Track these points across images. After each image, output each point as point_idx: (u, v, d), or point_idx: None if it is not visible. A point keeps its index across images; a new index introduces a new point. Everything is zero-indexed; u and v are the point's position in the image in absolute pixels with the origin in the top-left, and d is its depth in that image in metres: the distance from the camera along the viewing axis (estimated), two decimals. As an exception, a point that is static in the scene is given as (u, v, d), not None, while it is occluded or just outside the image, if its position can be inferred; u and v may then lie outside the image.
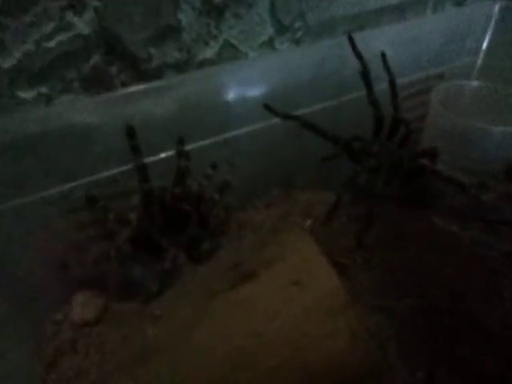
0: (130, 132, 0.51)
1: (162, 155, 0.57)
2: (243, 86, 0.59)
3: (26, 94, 0.49)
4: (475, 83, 0.80)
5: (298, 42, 0.63)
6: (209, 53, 0.57)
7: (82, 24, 0.47)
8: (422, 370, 0.44)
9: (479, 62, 0.80)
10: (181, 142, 0.56)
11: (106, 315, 0.58)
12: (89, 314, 0.57)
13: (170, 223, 0.55)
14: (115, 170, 0.55)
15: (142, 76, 0.55)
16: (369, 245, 0.54)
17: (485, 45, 0.79)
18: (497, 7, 0.75)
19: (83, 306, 0.58)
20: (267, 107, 0.61)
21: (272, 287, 0.38)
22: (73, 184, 0.53)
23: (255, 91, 0.60)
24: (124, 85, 0.54)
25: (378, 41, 0.57)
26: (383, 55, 0.64)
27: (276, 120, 0.65)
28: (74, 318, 0.57)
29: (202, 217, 0.56)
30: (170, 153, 0.57)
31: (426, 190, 0.61)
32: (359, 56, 0.61)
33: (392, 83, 0.63)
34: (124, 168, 0.55)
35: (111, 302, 0.60)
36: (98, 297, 0.59)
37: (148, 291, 0.52)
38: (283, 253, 0.40)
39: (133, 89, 0.50)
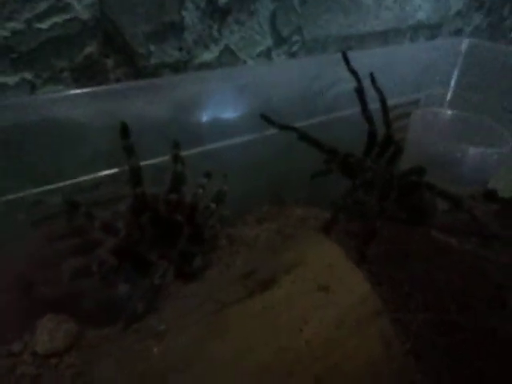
0: (124, 131, 0.46)
1: (152, 161, 0.52)
2: (238, 94, 0.57)
3: (8, 79, 0.43)
4: (448, 111, 0.84)
5: (293, 55, 0.63)
6: (208, 56, 0.55)
7: (81, 7, 0.43)
8: (445, 386, 0.41)
9: (450, 91, 0.85)
10: (176, 145, 0.51)
11: (81, 343, 0.50)
12: (57, 343, 0.48)
13: (160, 235, 0.49)
14: (99, 174, 0.49)
15: (139, 73, 0.51)
16: (373, 259, 0.52)
17: (454, 76, 0.84)
18: (465, 43, 0.82)
19: (50, 332, 0.49)
20: (264, 117, 0.60)
21: (296, 294, 0.34)
22: (48, 187, 0.46)
23: (249, 100, 0.58)
24: (118, 81, 0.50)
25: (362, 62, 0.59)
26: (372, 75, 0.66)
27: (265, 133, 0.63)
28: (37, 349, 0.48)
29: (196, 228, 0.51)
30: (161, 158, 0.52)
31: (420, 205, 0.62)
32: (353, 72, 0.62)
33: (383, 101, 0.64)
34: (109, 171, 0.49)
35: (86, 327, 0.52)
36: (69, 322, 0.51)
37: (132, 312, 0.45)
38: (304, 257, 0.37)
39: (126, 85, 0.45)
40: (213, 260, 0.55)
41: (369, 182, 0.61)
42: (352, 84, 0.59)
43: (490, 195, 0.75)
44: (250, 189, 0.64)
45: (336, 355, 0.32)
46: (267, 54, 0.61)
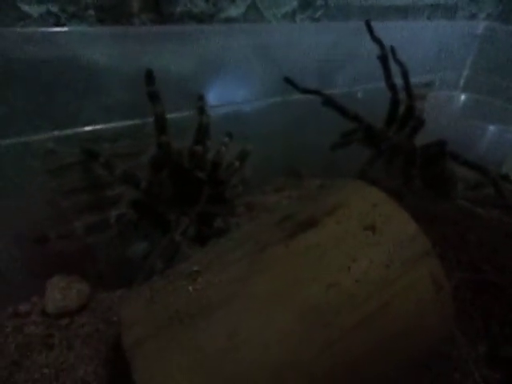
0: (149, 77, 0.44)
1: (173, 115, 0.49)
2: (261, 52, 0.55)
3: (32, 9, 0.40)
4: (463, 94, 0.84)
5: (317, 20, 0.61)
6: (234, 11, 0.53)
7: None
8: (483, 343, 0.40)
9: (465, 73, 0.85)
10: (201, 98, 0.49)
11: (92, 304, 0.47)
12: (70, 301, 0.45)
13: (182, 191, 0.47)
14: (120, 124, 0.46)
15: (164, 21, 0.48)
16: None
17: (469, 59, 0.84)
18: (481, 26, 0.81)
19: (62, 291, 0.46)
20: (288, 80, 0.58)
21: (342, 233, 0.32)
22: (65, 133, 0.44)
23: (272, 61, 0.57)
24: (143, 24, 0.48)
25: (380, 34, 0.58)
26: (392, 48, 0.65)
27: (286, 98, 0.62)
28: (47, 308, 0.45)
29: (218, 187, 0.49)
30: (184, 113, 0.50)
31: (443, 176, 0.60)
32: (378, 40, 0.61)
33: (404, 73, 0.62)
34: (131, 122, 0.47)
35: (98, 288, 0.49)
36: (81, 282, 0.48)
37: (150, 270, 0.42)
38: (346, 199, 0.34)
39: (153, 29, 0.43)
40: (232, 225, 0.53)
41: (392, 151, 0.60)
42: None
43: (504, 179, 0.75)
44: (266, 158, 0.62)
45: (386, 295, 0.30)
46: (292, 16, 0.60)
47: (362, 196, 0.35)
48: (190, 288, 0.30)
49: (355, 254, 0.31)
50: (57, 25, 0.41)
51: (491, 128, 0.70)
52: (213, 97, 0.52)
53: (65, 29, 0.39)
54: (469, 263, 0.45)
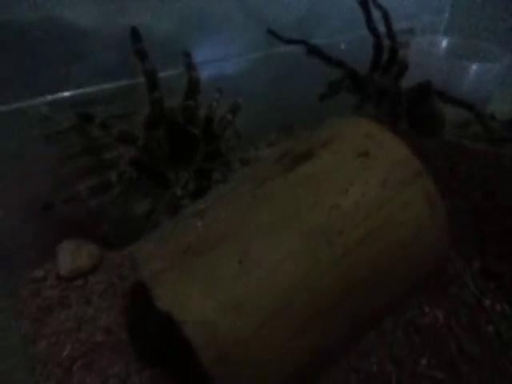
0: (135, 34, 0.44)
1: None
2: (242, 5, 0.55)
3: None
4: (444, 38, 0.84)
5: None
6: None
7: None
8: (477, 261, 0.42)
9: (445, 17, 0.85)
10: (187, 54, 0.50)
11: (103, 263, 0.49)
12: (81, 263, 0.47)
13: (178, 147, 0.48)
14: (111, 85, 0.47)
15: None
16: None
17: (449, 2, 0.84)
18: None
19: (73, 253, 0.47)
20: (271, 32, 0.58)
21: (338, 161, 0.33)
22: (56, 97, 0.44)
23: (253, 15, 0.57)
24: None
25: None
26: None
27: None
28: (60, 272, 0.47)
29: (213, 141, 0.50)
30: (168, 72, 0.50)
31: (430, 115, 0.62)
32: (356, -17, 0.61)
33: (385, 16, 0.63)
34: (121, 83, 0.47)
35: (107, 248, 0.50)
36: (90, 243, 0.49)
37: (156, 225, 0.44)
38: (339, 132, 0.36)
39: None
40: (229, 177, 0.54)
41: (379, 94, 0.61)
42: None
43: (490, 118, 0.76)
44: (256, 114, 0.63)
45: (384, 213, 0.32)
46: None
47: (355, 128, 0.36)
48: (199, 224, 0.32)
49: (352, 178, 0.32)
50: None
51: (474, 67, 0.71)
52: (195, 55, 0.52)
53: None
54: (459, 191, 0.47)
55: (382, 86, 0.61)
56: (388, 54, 0.63)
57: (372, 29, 0.60)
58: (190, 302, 0.28)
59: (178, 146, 0.48)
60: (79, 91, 0.45)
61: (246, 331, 0.27)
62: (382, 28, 0.62)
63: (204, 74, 0.53)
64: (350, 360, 0.34)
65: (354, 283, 0.31)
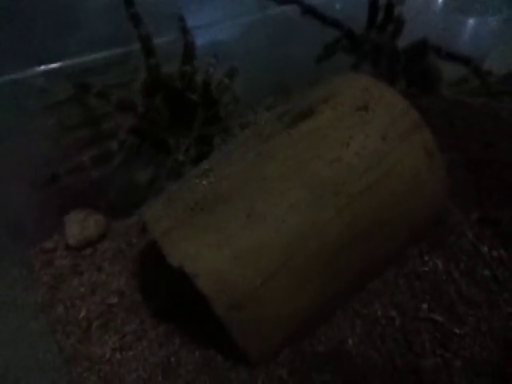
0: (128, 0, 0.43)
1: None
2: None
3: None
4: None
5: None
6: None
7: None
8: (475, 211, 0.43)
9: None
10: (181, 19, 0.49)
11: (110, 232, 0.50)
12: (89, 232, 0.48)
13: (177, 113, 0.48)
14: (105, 53, 0.46)
15: None
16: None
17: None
18: None
19: (80, 224, 0.48)
20: (264, -8, 0.57)
21: (338, 116, 0.34)
22: (51, 67, 0.44)
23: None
24: None
25: None
26: None
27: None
28: (69, 242, 0.48)
29: (212, 106, 0.50)
30: (163, 38, 0.49)
31: (428, 72, 0.61)
32: None
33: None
34: (116, 51, 0.47)
35: (112, 218, 0.51)
36: (96, 213, 0.50)
37: (161, 191, 0.45)
38: (338, 88, 0.36)
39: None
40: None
41: (376, 52, 0.61)
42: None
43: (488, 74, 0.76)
44: (253, 78, 0.62)
45: (384, 165, 0.32)
46: None
47: (353, 83, 0.37)
48: (205, 182, 0.33)
49: (352, 131, 0.33)
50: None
51: (470, 21, 0.70)
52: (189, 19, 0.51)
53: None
54: (458, 145, 0.48)
55: (378, 44, 0.60)
56: (384, 11, 0.62)
57: (367, -15, 0.59)
58: (201, 255, 0.29)
59: (177, 112, 0.48)
60: (74, 61, 0.45)
61: (257, 281, 0.28)
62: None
63: (198, 39, 0.52)
64: (354, 306, 0.36)
65: (358, 232, 0.32)
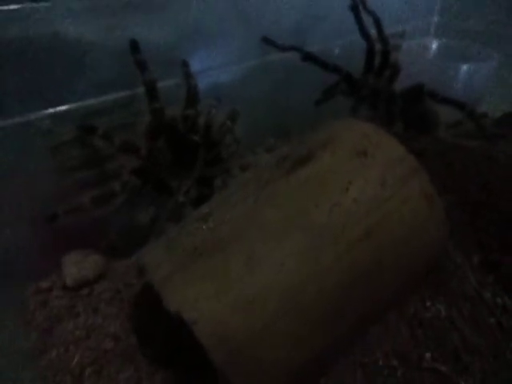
0: (134, 46, 0.45)
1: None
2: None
3: None
4: (435, 41, 0.86)
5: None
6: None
7: None
8: (476, 254, 0.43)
9: (434, 20, 0.87)
10: (185, 63, 0.51)
11: (108, 273, 0.49)
12: (86, 273, 0.47)
13: (179, 156, 0.49)
14: (112, 96, 0.48)
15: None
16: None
17: (437, 5, 0.86)
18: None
19: (78, 264, 0.48)
20: (266, 40, 0.60)
21: (337, 161, 0.34)
22: (58, 110, 0.45)
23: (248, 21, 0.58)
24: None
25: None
26: (362, -1, 0.66)
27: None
28: (66, 282, 0.47)
29: (214, 148, 0.51)
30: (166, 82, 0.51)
31: (425, 116, 0.63)
32: (347, -9, 0.62)
33: (377, 21, 0.64)
34: (122, 94, 0.48)
35: (112, 258, 0.51)
36: (95, 254, 0.50)
37: (161, 232, 0.45)
38: (337, 134, 0.37)
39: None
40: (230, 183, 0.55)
41: (374, 96, 0.62)
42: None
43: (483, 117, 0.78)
44: (254, 121, 0.64)
45: (383, 209, 0.32)
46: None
47: (352, 129, 0.37)
48: (204, 227, 0.33)
49: (351, 177, 0.33)
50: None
51: (464, 67, 0.72)
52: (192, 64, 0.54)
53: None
54: (455, 187, 0.49)
55: (376, 88, 0.62)
56: (380, 57, 0.65)
57: (364, 34, 0.62)
58: (199, 302, 0.28)
59: (179, 154, 0.49)
60: (80, 104, 0.46)
61: (256, 329, 0.28)
62: (373, 31, 0.63)
63: (201, 82, 0.54)
64: (356, 355, 0.35)
65: (358, 278, 0.32)
